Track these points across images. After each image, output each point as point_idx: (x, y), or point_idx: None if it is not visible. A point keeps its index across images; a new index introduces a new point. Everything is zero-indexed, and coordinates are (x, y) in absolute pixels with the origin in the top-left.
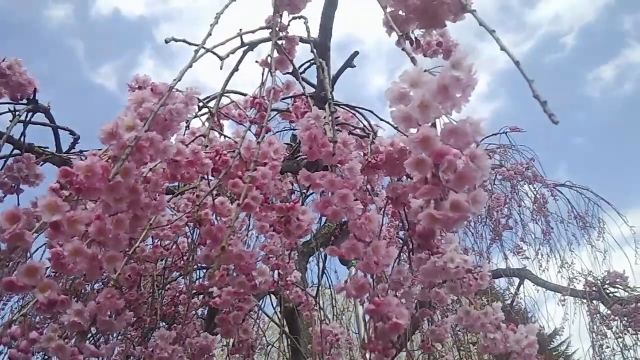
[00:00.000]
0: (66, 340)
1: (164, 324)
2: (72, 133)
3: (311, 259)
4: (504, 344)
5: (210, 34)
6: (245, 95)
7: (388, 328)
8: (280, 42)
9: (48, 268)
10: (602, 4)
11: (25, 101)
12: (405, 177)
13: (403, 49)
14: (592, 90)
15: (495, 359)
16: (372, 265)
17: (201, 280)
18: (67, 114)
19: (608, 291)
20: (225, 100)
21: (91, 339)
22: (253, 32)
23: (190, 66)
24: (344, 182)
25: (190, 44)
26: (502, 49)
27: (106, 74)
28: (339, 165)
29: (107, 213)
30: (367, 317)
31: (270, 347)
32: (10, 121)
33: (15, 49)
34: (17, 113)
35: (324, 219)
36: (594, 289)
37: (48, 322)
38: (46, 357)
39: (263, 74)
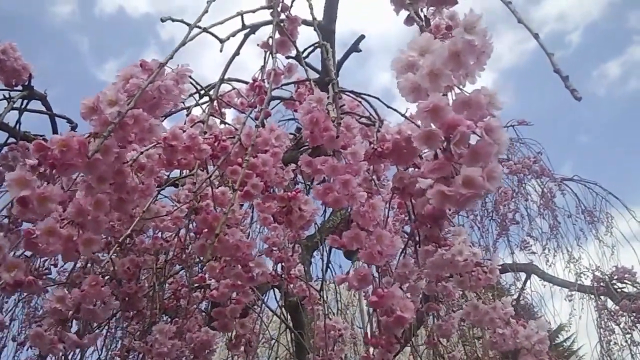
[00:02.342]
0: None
1: (166, 317)
2: (69, 121)
3: (315, 253)
4: (513, 340)
5: (206, 11)
6: (247, 83)
7: (392, 321)
8: (281, 23)
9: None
10: (608, 1)
11: (20, 87)
12: (412, 167)
13: (410, 17)
14: (597, 88)
15: (501, 356)
16: (375, 254)
17: (202, 272)
18: (70, 110)
19: (616, 286)
20: (227, 88)
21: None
22: (253, 11)
23: (184, 43)
24: (346, 167)
25: (187, 24)
26: (520, 21)
27: (110, 70)
28: (342, 151)
29: (89, 194)
30: (371, 311)
31: (274, 341)
32: (5, 108)
33: (20, 45)
34: (11, 99)
35: (328, 213)
36: (602, 284)
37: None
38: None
39: (264, 59)
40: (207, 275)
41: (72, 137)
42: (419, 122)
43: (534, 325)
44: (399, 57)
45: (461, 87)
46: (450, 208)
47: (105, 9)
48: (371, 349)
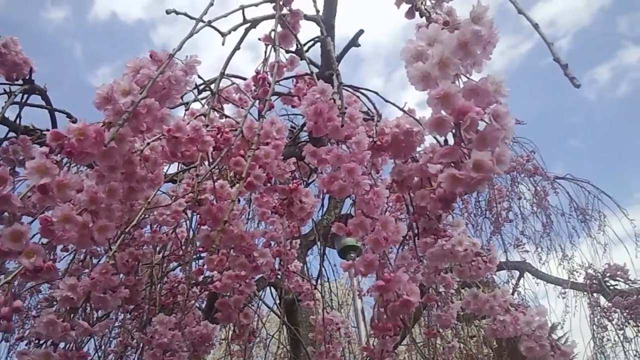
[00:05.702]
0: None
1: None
2: (69, 116)
3: (309, 252)
4: (514, 326)
5: (212, 4)
6: (245, 79)
7: (398, 305)
8: (284, 17)
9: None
10: (597, 7)
11: (20, 81)
12: (410, 160)
13: (417, 9)
14: (587, 93)
15: (494, 352)
16: (381, 240)
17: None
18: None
19: (608, 283)
20: (226, 83)
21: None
22: (256, 5)
23: (190, 36)
24: (350, 156)
25: (191, 17)
26: (520, 12)
27: (104, 75)
28: (345, 141)
29: (101, 183)
30: (374, 297)
31: (270, 338)
32: (5, 102)
33: None
34: (12, 93)
35: (323, 210)
36: (594, 281)
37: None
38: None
39: (265, 52)
40: (205, 268)
41: (88, 126)
42: (418, 116)
43: (534, 311)
44: (408, 47)
45: (468, 75)
46: (461, 191)
47: (98, 16)
48: (371, 340)
